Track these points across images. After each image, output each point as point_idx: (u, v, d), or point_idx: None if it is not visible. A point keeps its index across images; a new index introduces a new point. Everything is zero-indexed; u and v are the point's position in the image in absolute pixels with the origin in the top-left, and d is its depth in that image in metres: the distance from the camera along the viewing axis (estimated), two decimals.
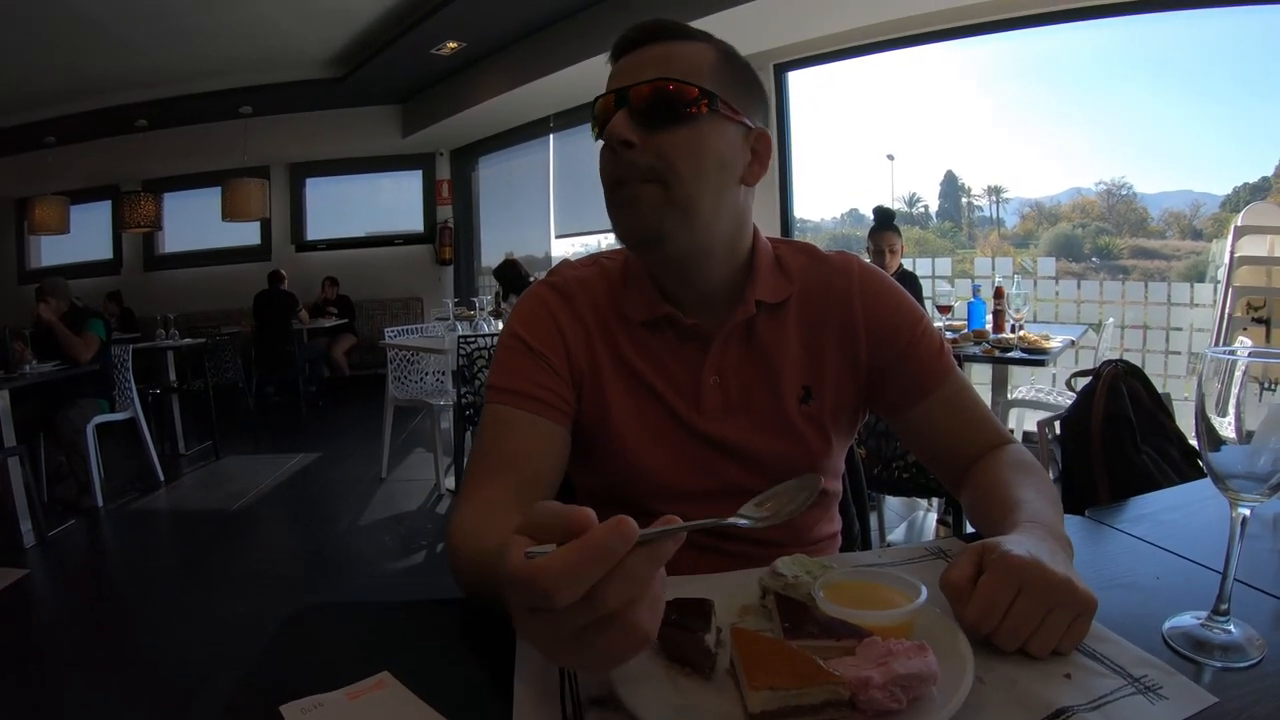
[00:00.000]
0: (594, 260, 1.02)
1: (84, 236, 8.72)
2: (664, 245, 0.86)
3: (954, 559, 0.65)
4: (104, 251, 8.95)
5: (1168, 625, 0.64)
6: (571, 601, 0.44)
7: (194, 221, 8.74)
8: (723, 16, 4.43)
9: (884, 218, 3.89)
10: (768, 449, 0.94)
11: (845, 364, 0.96)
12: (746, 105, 0.88)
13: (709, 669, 0.58)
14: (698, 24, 0.97)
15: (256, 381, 6.90)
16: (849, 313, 0.95)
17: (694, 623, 0.59)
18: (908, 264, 4.42)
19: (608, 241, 7.07)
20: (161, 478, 4.65)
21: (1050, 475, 0.94)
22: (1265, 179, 4.46)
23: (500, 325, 5.06)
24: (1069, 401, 1.88)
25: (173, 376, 5.57)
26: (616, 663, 0.50)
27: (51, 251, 8.97)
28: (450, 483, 4.20)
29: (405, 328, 5.22)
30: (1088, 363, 3.51)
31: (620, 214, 0.86)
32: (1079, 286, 5.01)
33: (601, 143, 0.86)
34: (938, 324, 3.47)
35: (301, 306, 7.41)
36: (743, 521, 0.57)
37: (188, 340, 5.72)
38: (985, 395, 3.41)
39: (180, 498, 4.49)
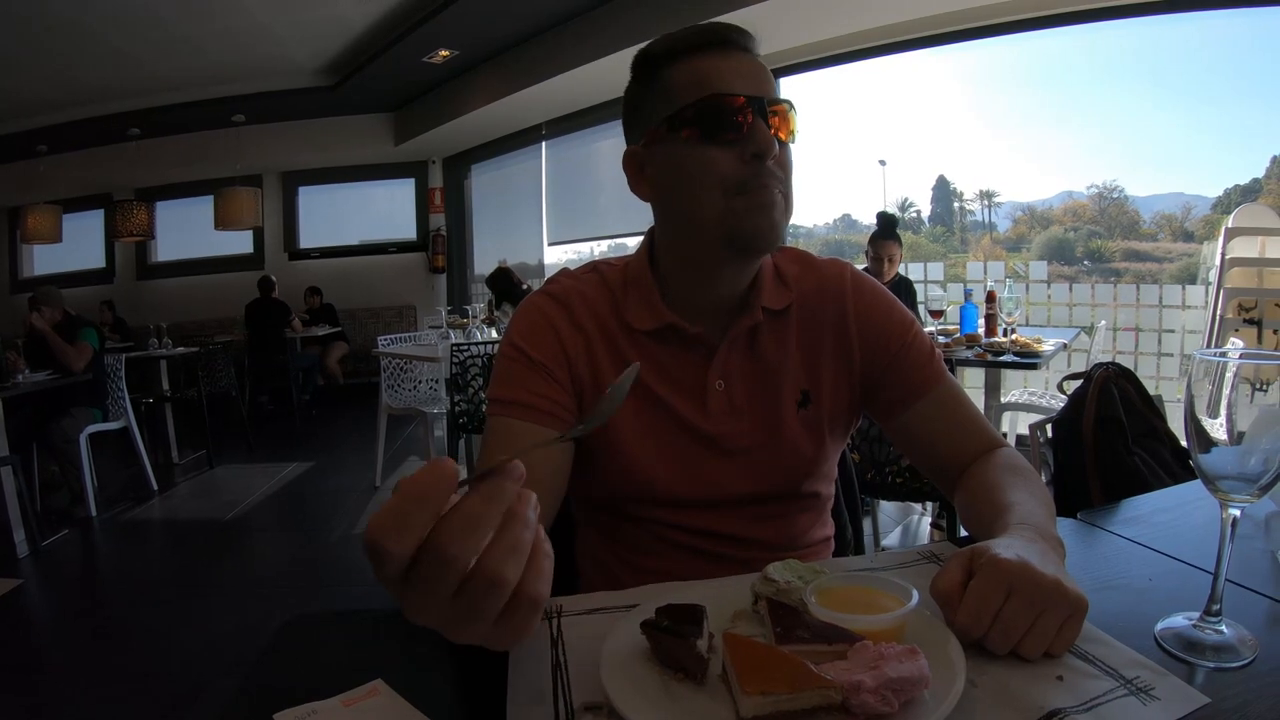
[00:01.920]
0: (593, 268, 1.01)
1: (76, 245, 8.69)
2: (775, 246, 0.93)
3: (943, 565, 0.66)
4: (97, 260, 8.93)
5: (1160, 626, 0.64)
6: (403, 550, 0.41)
7: (187, 230, 8.72)
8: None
9: (887, 224, 3.82)
10: (767, 454, 0.95)
11: (841, 369, 0.97)
12: None
13: (701, 674, 0.58)
14: None
15: (250, 390, 6.87)
16: (843, 319, 0.97)
17: (686, 628, 0.59)
18: (900, 269, 4.42)
19: (600, 249, 7.07)
20: (155, 487, 4.63)
21: (1043, 478, 0.94)
22: (1256, 180, 4.49)
23: (493, 333, 5.05)
24: (1061, 404, 1.88)
25: (166, 385, 5.54)
26: (514, 632, 0.45)
27: (44, 260, 8.95)
28: None
29: (398, 336, 5.21)
30: (1080, 366, 3.52)
31: (756, 216, 0.86)
32: (1071, 290, 5.03)
33: (652, 140, 0.89)
34: (930, 329, 3.48)
35: (294, 315, 7.39)
36: (577, 429, 0.53)
37: (181, 349, 5.69)
38: (978, 399, 3.41)
39: (174, 507, 4.46)
